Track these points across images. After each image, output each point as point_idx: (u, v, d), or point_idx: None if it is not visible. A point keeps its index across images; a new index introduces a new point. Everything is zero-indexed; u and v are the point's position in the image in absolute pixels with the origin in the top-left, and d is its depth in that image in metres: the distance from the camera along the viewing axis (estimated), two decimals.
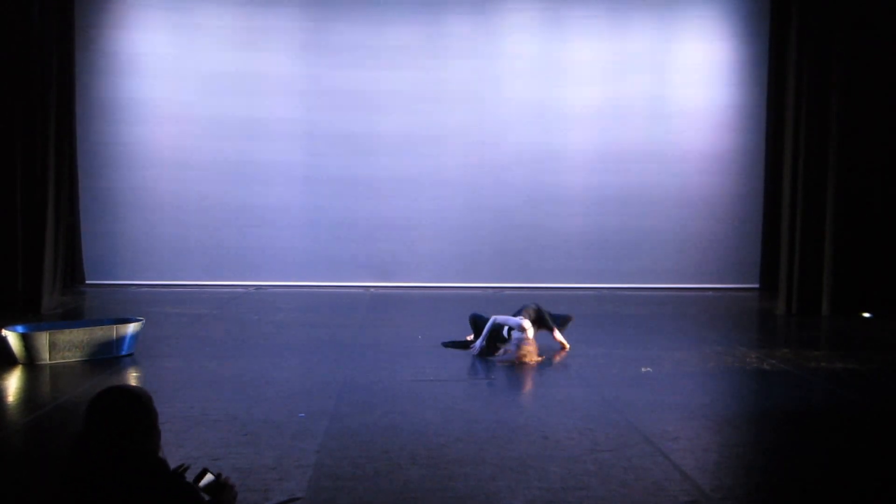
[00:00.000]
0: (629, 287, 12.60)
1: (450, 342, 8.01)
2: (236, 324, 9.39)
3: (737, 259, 13.02)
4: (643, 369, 7.04)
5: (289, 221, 12.84)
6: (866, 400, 6.25)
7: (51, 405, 5.86)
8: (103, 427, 2.82)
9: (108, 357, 7.19)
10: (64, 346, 7.09)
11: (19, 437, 5.30)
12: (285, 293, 12.00)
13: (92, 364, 7.03)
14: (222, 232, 12.75)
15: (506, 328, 7.52)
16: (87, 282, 12.45)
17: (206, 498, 3.05)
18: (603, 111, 12.93)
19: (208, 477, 3.12)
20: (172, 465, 3.03)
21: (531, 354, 7.22)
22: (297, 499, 4.08)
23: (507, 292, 11.78)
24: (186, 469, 3.05)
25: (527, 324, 7.41)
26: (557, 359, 7.50)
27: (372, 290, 12.43)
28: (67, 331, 7.21)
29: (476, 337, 7.88)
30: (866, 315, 10.11)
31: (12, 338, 7.01)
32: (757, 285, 12.87)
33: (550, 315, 7.87)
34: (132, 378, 6.72)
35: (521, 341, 7.25)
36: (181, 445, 4.79)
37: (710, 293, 12.43)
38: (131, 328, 7.37)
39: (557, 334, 7.82)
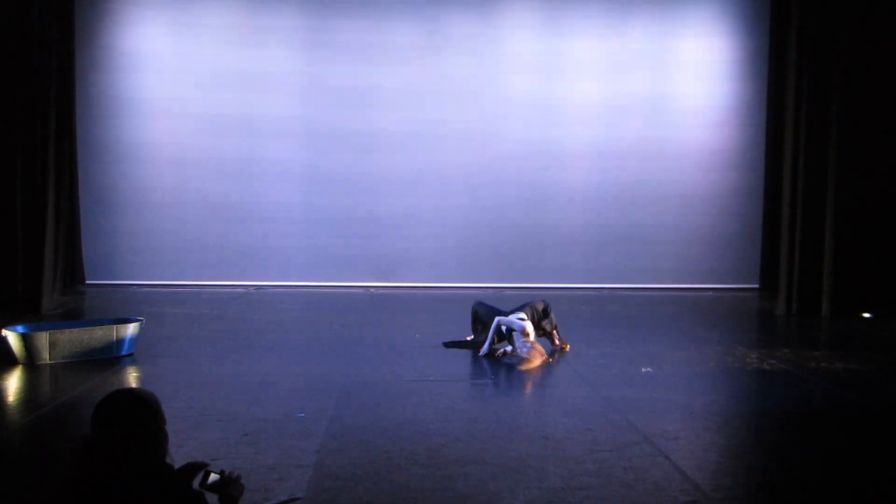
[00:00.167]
0: (629, 287, 12.61)
1: (450, 342, 8.02)
2: (236, 324, 9.39)
3: (737, 259, 13.03)
4: (643, 369, 7.04)
5: (289, 220, 12.82)
6: (866, 400, 6.25)
7: (51, 405, 5.86)
8: (108, 431, 2.81)
9: (108, 357, 7.19)
10: (64, 346, 7.09)
11: (19, 437, 5.29)
12: (285, 293, 12.00)
13: (92, 364, 7.02)
14: (222, 231, 12.74)
15: (505, 328, 7.54)
16: (87, 282, 12.44)
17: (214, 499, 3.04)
18: (603, 109, 12.93)
19: (213, 476, 3.12)
20: (178, 465, 3.01)
21: (539, 358, 7.23)
22: (297, 499, 4.08)
23: (508, 292, 11.77)
24: (207, 471, 3.01)
25: (529, 327, 7.40)
26: (556, 358, 7.49)
27: (372, 290, 12.44)
28: (67, 331, 7.21)
29: (475, 332, 7.92)
30: (866, 315, 10.11)
31: (12, 338, 7.01)
32: (757, 285, 12.88)
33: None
34: (132, 378, 6.72)
35: (528, 350, 7.25)
36: (181, 445, 4.78)
37: (710, 293, 12.44)
38: (131, 328, 7.37)
39: (557, 338, 7.82)
